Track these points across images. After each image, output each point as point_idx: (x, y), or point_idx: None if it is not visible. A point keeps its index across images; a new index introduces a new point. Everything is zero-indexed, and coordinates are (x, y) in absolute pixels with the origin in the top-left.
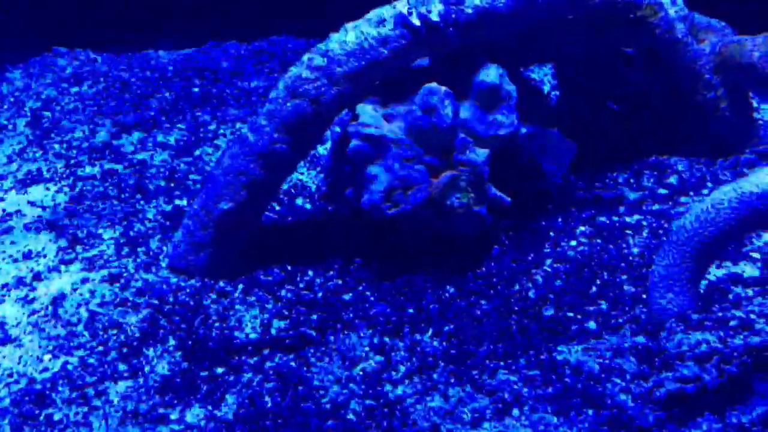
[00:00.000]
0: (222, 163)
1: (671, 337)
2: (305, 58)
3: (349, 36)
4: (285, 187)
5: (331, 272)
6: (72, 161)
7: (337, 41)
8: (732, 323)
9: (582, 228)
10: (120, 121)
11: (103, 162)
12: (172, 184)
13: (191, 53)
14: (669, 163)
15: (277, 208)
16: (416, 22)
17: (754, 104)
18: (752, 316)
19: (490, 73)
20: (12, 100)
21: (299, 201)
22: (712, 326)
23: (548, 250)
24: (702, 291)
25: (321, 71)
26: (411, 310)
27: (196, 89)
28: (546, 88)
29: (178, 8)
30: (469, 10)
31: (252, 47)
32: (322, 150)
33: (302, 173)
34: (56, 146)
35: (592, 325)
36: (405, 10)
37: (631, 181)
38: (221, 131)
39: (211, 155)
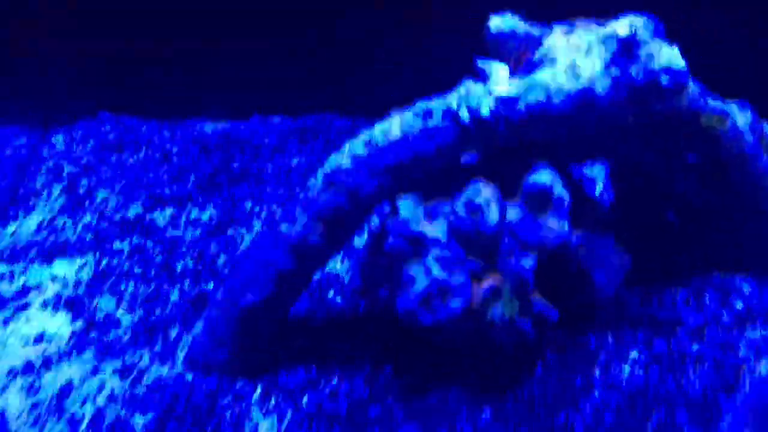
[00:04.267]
0: (250, 252)
1: None
2: (346, 146)
3: (393, 126)
4: (317, 276)
5: (358, 379)
6: (101, 234)
7: (380, 131)
8: None
9: (635, 353)
10: (156, 193)
11: (132, 236)
12: (200, 267)
13: (235, 124)
14: (734, 283)
15: (307, 300)
16: (465, 117)
17: None
18: None
19: (542, 176)
20: (51, 165)
21: (330, 293)
22: None
23: (598, 374)
24: None
25: (362, 161)
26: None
27: (235, 164)
28: (599, 187)
29: (228, 77)
30: (522, 108)
31: (297, 123)
32: (357, 240)
33: (336, 263)
34: (88, 216)
35: None
36: (454, 104)
37: (691, 300)
38: (256, 210)
39: (243, 236)
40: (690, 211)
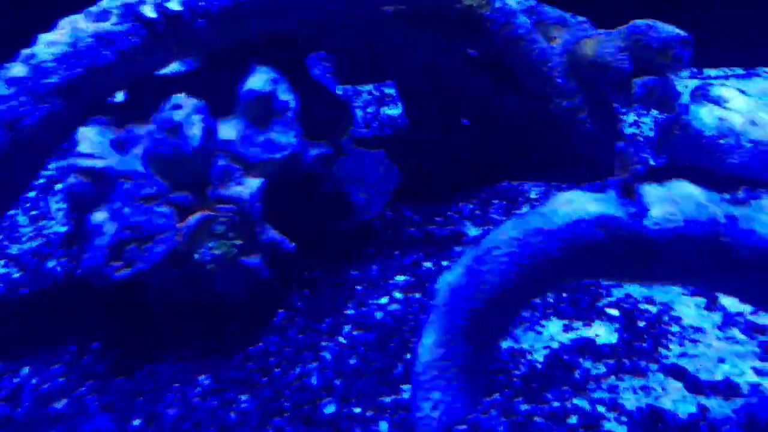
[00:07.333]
0: None
1: None
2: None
3: (60, 35)
4: (35, 245)
5: (57, 365)
6: None
7: (44, 42)
8: (572, 420)
9: (401, 278)
10: None
11: None
12: None
13: None
14: (522, 189)
15: (18, 274)
16: (150, 12)
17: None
18: (600, 409)
19: (258, 79)
20: None
21: (51, 263)
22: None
23: (351, 312)
24: (542, 364)
25: (22, 85)
26: (137, 422)
27: None
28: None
29: None
30: None
31: None
32: None
33: (64, 226)
34: None
35: (383, 427)
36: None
37: (477, 212)
38: None
39: None
40: (484, 112)
